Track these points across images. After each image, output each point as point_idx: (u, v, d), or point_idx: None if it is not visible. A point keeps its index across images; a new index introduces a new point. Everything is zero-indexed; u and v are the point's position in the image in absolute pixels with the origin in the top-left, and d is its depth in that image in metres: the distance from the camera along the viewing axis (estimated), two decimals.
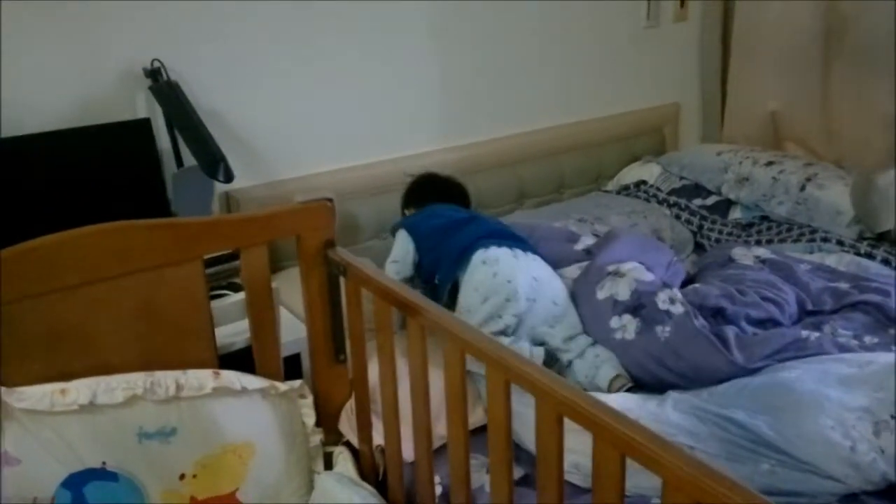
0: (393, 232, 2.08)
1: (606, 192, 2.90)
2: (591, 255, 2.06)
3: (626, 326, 1.76)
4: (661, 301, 1.78)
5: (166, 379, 1.37)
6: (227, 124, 2.17)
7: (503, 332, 1.73)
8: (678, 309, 1.75)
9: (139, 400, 1.34)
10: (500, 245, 1.85)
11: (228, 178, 1.81)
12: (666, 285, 1.86)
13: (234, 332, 1.57)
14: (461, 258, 1.83)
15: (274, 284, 1.51)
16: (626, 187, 2.85)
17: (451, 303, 1.84)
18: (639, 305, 1.78)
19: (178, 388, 1.38)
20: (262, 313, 1.49)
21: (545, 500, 1.09)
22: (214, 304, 1.47)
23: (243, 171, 2.21)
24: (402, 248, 1.99)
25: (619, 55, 2.95)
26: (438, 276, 1.87)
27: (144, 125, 1.89)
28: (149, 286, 1.37)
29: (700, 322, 1.69)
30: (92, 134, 1.85)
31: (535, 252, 1.92)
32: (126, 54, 1.95)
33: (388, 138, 2.47)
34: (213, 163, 1.79)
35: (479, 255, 1.81)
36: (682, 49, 3.12)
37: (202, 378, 1.40)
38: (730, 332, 1.66)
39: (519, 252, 1.86)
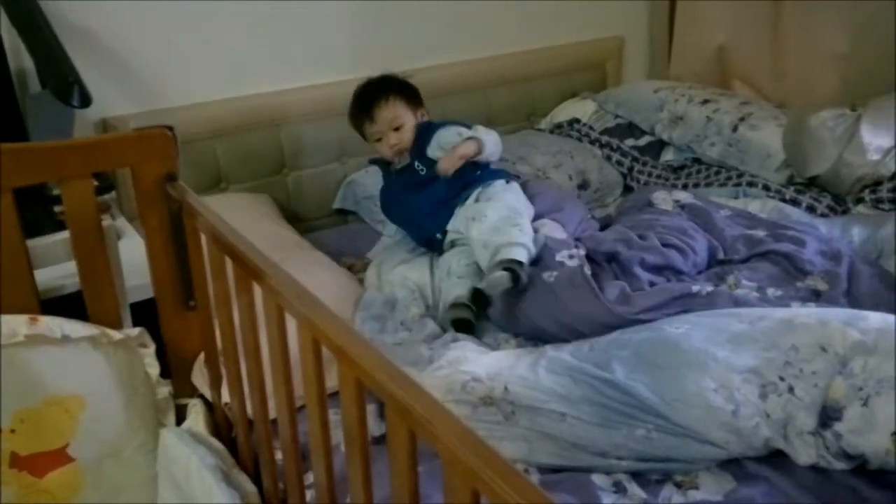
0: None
1: (539, 130, 2.74)
2: None
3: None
4: (560, 255, 1.69)
5: None
6: (105, 45, 1.98)
7: None
8: (573, 262, 1.66)
9: None
10: None
11: (84, 102, 1.63)
12: (577, 241, 1.78)
13: (64, 273, 1.43)
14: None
15: (106, 223, 1.35)
16: (559, 125, 2.69)
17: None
18: (539, 258, 1.70)
19: None
20: (92, 254, 1.34)
21: (353, 470, 0.97)
22: (32, 242, 1.31)
23: (125, 97, 2.04)
24: None
25: None
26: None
27: None
28: None
29: (587, 272, 1.57)
30: None
31: None
32: None
33: (291, 65, 2.28)
34: (65, 86, 1.60)
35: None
36: None
37: (14, 324, 1.26)
38: (615, 287, 1.53)
39: None
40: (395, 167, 1.93)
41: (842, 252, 1.69)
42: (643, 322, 1.46)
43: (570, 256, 1.67)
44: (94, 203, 1.32)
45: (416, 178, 1.85)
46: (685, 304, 1.49)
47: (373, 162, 2.04)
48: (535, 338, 1.59)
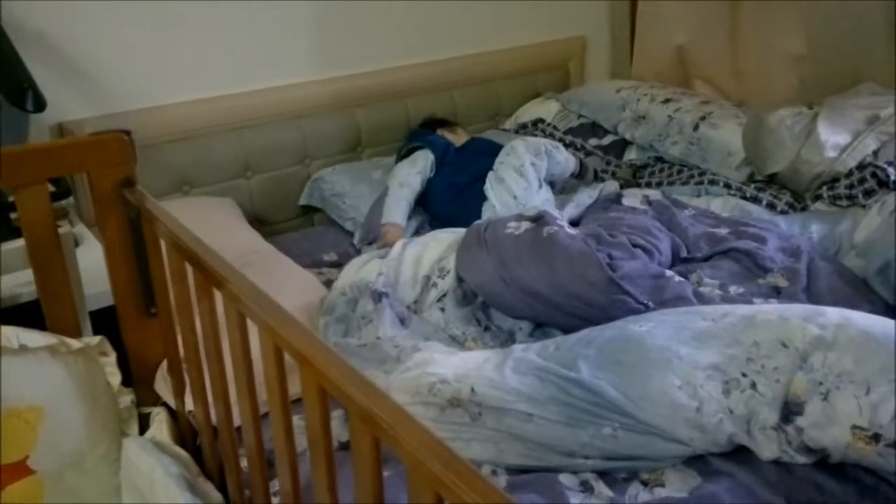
0: None
1: (504, 130, 2.75)
2: None
3: (520, 226, 1.74)
4: (559, 221, 1.76)
5: None
6: (61, 48, 1.94)
7: None
8: (571, 231, 1.72)
9: None
10: None
11: (39, 107, 1.60)
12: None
13: (23, 281, 1.39)
14: None
15: (63, 230, 1.33)
16: (524, 125, 2.71)
17: None
18: (541, 216, 1.77)
19: None
20: (48, 262, 1.31)
21: (318, 476, 0.96)
22: None
23: (82, 100, 1.99)
24: None
25: None
26: None
27: None
28: None
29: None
30: None
31: None
32: None
33: (253, 68, 2.25)
34: (19, 90, 1.57)
35: None
36: None
37: None
38: (600, 252, 1.63)
39: None
40: (454, 146, 2.34)
41: (801, 249, 1.72)
42: (624, 291, 1.51)
43: (569, 227, 1.74)
44: (50, 209, 1.29)
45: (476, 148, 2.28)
46: (658, 284, 1.53)
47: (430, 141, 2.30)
48: (513, 312, 1.65)
